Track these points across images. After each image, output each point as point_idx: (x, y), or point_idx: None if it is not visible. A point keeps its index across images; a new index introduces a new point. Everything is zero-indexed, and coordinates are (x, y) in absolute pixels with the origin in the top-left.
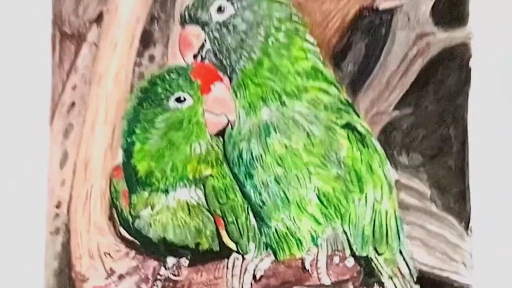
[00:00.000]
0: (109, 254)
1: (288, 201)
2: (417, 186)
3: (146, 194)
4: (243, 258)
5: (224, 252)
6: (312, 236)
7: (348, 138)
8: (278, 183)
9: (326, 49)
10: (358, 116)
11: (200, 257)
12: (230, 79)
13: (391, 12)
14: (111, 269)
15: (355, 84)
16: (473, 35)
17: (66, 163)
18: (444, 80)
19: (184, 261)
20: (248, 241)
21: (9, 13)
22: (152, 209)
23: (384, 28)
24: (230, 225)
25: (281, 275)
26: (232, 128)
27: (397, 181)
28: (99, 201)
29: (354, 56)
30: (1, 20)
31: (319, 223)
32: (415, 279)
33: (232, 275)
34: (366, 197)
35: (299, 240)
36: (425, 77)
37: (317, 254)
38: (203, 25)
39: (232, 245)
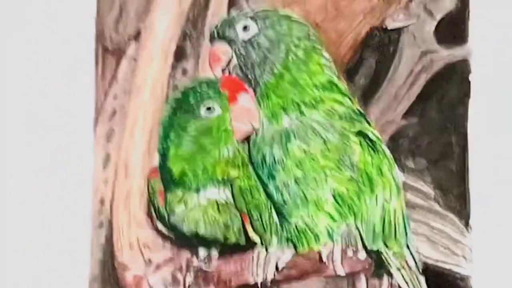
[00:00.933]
0: (147, 246)
1: (307, 200)
2: (422, 187)
3: (180, 193)
4: (267, 251)
5: (249, 245)
6: (328, 231)
7: (361, 144)
8: (298, 184)
9: (340, 65)
10: (369, 124)
11: (229, 249)
12: (255, 91)
13: (398, 31)
14: (149, 259)
15: (367, 96)
16: (473, 52)
17: (108, 164)
18: (446, 93)
19: (214, 253)
20: (271, 236)
21: (57, 30)
22: (185, 206)
23: (393, 46)
24: (255, 221)
25: (301, 266)
26: (256, 134)
27: (404, 183)
28: (138, 199)
29: (365, 71)
30: (51, 37)
31: (334, 220)
32: (420, 270)
33: (257, 266)
34: (376, 197)
35: (317, 235)
36: (429, 90)
37: (333, 248)
38: (230, 42)
39: (257, 239)
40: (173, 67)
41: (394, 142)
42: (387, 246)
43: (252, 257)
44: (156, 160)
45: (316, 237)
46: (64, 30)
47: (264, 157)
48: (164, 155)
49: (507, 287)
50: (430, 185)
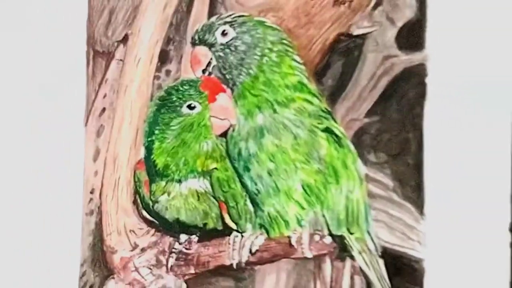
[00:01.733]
0: (133, 232)
1: (278, 190)
2: (382, 179)
3: (163, 183)
4: (242, 236)
5: (226, 231)
6: (297, 218)
7: (327, 140)
8: (270, 176)
9: (310, 67)
10: (336, 122)
11: (207, 234)
12: (232, 90)
13: (363, 37)
14: (135, 243)
15: (334, 96)
16: (429, 57)
17: (98, 158)
18: (405, 94)
19: (194, 238)
20: (246, 222)
21: (51, 34)
22: (168, 195)
23: (357, 51)
24: (231, 209)
25: (272, 250)
26: (233, 130)
27: (366, 175)
28: (125, 189)
29: (332, 73)
30: (44, 40)
31: (303, 208)
32: (379, 254)
33: (233, 249)
34: (341, 188)
35: (287, 221)
36: (389, 91)
37: (301, 233)
38: (210, 46)
39: (233, 225)
40: (158, 69)
41: (357, 138)
42: (350, 232)
43: (229, 241)
44: (141, 153)
45: (287, 224)
46: (58, 33)
47: (240, 151)
48: (149, 149)
49: (456, 268)
50: (390, 177)
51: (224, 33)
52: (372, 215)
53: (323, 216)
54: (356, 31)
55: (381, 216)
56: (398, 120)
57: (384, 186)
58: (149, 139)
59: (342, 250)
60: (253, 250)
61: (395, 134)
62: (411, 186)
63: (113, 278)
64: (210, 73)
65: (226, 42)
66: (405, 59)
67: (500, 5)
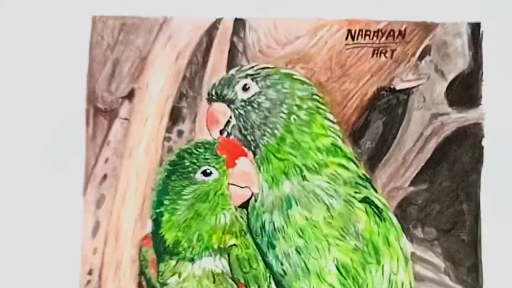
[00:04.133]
0: None
1: (308, 271)
2: (431, 259)
3: (173, 262)
4: None
5: None
6: None
7: (366, 211)
8: (299, 254)
9: (345, 127)
10: (376, 191)
11: None
12: (254, 153)
13: (407, 92)
14: None
15: (373, 161)
16: (486, 115)
17: (98, 232)
18: (458, 158)
19: None
20: None
21: (45, 89)
22: (178, 276)
23: (401, 108)
24: None
25: None
26: (255, 200)
27: (412, 254)
28: (129, 269)
29: (372, 134)
30: (39, 96)
31: None
32: None
33: None
34: (383, 269)
35: None
36: (439, 155)
37: None
38: (229, 102)
39: None
40: (168, 129)
41: (402, 210)
42: None
43: None
44: (148, 227)
45: None
46: (53, 88)
47: (263, 224)
48: (157, 222)
49: None
50: (440, 257)
51: (245, 88)
52: None
53: None
54: (399, 85)
55: None
56: (450, 189)
57: (434, 267)
58: (158, 210)
59: None
60: None
61: (446, 206)
62: (466, 268)
63: None
64: (229, 134)
65: (248, 98)
66: (457, 118)
67: None
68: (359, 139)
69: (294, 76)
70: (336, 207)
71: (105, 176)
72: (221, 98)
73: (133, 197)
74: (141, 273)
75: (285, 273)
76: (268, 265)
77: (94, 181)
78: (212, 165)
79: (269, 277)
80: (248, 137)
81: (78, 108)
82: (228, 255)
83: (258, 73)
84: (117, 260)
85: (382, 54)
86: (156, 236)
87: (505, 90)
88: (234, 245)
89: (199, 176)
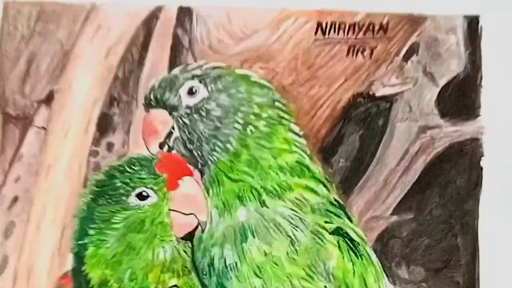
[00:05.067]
0: None
1: None
2: None
3: None
4: None
5: None
6: None
7: (339, 246)
8: None
9: (314, 141)
10: (351, 220)
11: None
12: (202, 173)
13: (390, 100)
14: None
15: (348, 183)
16: (485, 129)
17: (5, 270)
18: (452, 181)
19: None
20: None
21: None
22: None
23: (382, 119)
24: None
25: None
26: (202, 231)
27: None
28: None
29: (346, 150)
30: None
31: None
32: None
33: None
34: None
35: None
36: (429, 176)
37: None
38: (171, 109)
39: None
40: (96, 141)
41: (382, 244)
42: None
43: None
44: (68, 263)
45: None
46: None
47: (212, 261)
48: (79, 257)
49: None
50: None
51: (191, 92)
52: None
53: None
54: (380, 91)
55: None
56: (441, 219)
57: None
58: (81, 242)
59: None
60: None
61: (437, 240)
62: None
63: None
64: (170, 148)
65: (195, 105)
66: (450, 132)
67: None
68: (331, 156)
69: (252, 78)
70: (302, 240)
71: (15, 199)
72: (161, 104)
73: (50, 226)
74: None
75: None
76: None
77: (2, 204)
78: (149, 186)
79: None
80: (195, 153)
81: None
82: None
83: (208, 74)
84: None
85: (359, 53)
86: (78, 275)
87: (508, 98)
88: (176, 286)
89: (133, 200)
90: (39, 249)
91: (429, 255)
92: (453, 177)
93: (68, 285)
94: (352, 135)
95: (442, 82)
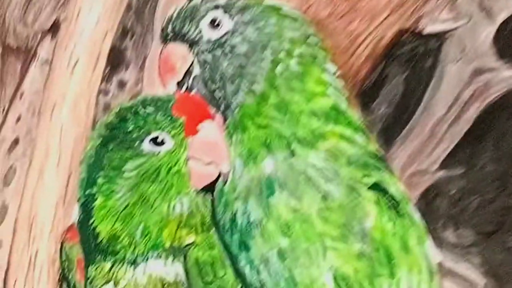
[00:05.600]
0: None
1: (295, 283)
2: (466, 273)
3: (108, 265)
4: None
5: None
6: None
7: (377, 203)
8: (283, 259)
9: (352, 83)
10: (392, 175)
11: None
12: (225, 117)
13: (439, 38)
14: None
15: (390, 132)
16: None
17: (4, 220)
18: (508, 133)
19: None
20: None
21: None
22: (115, 285)
23: (430, 60)
24: None
25: None
26: (224, 182)
27: (440, 265)
28: (46, 272)
29: (388, 95)
30: None
31: None
32: None
33: None
34: (398, 284)
35: None
36: (482, 127)
37: None
38: (191, 43)
39: None
40: (106, 78)
41: (427, 203)
42: None
43: None
44: (74, 215)
45: None
46: None
47: (234, 217)
48: (87, 208)
49: None
50: (479, 270)
51: (214, 24)
52: None
53: None
54: (429, 28)
55: None
56: (495, 176)
57: (470, 285)
58: (88, 192)
59: None
60: None
61: (490, 199)
62: None
63: None
64: (190, 88)
65: (217, 39)
66: (508, 76)
67: None
68: (371, 101)
69: (283, 10)
70: (335, 196)
71: (16, 141)
72: (180, 37)
73: (55, 172)
74: (63, 278)
75: (263, 286)
76: (239, 274)
77: (1, 147)
78: (165, 130)
79: None
80: (217, 94)
81: None
82: (185, 258)
83: (233, 4)
84: (29, 259)
85: None
86: (84, 228)
87: None
88: (193, 243)
89: (147, 145)
90: (42, 198)
91: (480, 216)
92: (509, 128)
93: (74, 240)
94: (396, 77)
95: (500, 18)
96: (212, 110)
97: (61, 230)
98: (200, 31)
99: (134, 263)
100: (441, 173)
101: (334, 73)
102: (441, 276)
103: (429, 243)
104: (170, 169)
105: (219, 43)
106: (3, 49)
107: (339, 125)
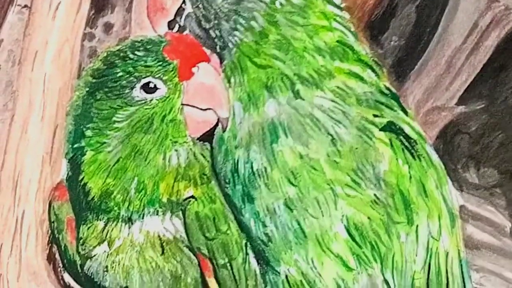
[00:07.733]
0: None
1: (305, 235)
2: (491, 216)
3: (101, 224)
4: None
5: None
6: (339, 286)
7: (391, 145)
8: (290, 210)
9: (359, 15)
10: (406, 113)
11: None
12: (221, 58)
13: None
14: None
15: (402, 66)
16: None
17: None
18: None
19: None
20: None
21: None
22: (109, 246)
23: None
24: (221, 270)
25: None
26: (223, 129)
27: (462, 208)
28: (34, 234)
29: (400, 26)
30: None
31: (349, 268)
32: None
33: None
34: (417, 232)
35: None
36: (503, 56)
37: None
38: None
39: None
40: (91, 21)
41: (446, 142)
42: None
43: None
44: (62, 171)
45: None
46: None
47: (236, 166)
48: (75, 163)
49: None
50: (505, 212)
51: None
52: (474, 281)
53: (385, 282)
54: None
55: (491, 283)
56: None
57: (495, 229)
58: (76, 145)
59: None
60: None
61: None
62: None
63: None
64: (182, 28)
65: None
66: None
67: None
68: (381, 33)
69: None
70: (345, 139)
71: None
72: None
73: (39, 127)
74: (53, 240)
75: (270, 240)
76: (243, 228)
77: None
78: (157, 76)
79: (245, 245)
80: (212, 33)
81: None
82: (184, 213)
83: None
84: (15, 221)
85: None
86: (74, 185)
87: None
88: (193, 197)
89: (138, 93)
90: (27, 155)
91: (503, 154)
92: None
93: (62, 198)
94: (407, 6)
95: None
96: (207, 51)
97: (49, 189)
98: None
99: (129, 220)
100: (460, 109)
101: (339, 5)
102: (464, 221)
103: (449, 185)
104: (164, 117)
105: None
106: None
107: (346, 62)
